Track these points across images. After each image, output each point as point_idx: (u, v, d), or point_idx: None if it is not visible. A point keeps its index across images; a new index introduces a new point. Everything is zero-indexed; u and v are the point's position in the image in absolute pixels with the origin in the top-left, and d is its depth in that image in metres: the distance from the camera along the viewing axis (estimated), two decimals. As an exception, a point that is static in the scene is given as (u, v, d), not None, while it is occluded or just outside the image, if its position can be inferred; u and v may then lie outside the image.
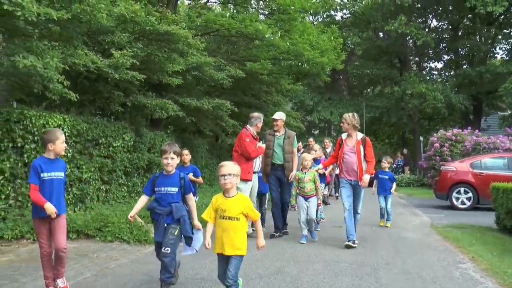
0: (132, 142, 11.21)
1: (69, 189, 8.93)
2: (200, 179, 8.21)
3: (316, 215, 8.38)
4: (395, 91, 30.94)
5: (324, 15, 35.56)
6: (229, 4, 19.21)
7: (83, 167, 9.32)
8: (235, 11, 18.36)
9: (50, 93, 7.06)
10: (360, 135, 7.88)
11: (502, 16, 30.53)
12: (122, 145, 10.79)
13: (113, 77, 9.20)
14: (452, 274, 5.82)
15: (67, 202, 8.78)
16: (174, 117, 12.85)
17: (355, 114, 7.97)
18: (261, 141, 8.57)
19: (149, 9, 10.03)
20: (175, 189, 4.81)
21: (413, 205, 15.05)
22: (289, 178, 8.53)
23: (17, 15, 5.28)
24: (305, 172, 8.19)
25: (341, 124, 8.06)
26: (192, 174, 7.85)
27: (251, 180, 8.23)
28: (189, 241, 4.92)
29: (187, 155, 8.14)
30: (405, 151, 29.67)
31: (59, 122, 8.54)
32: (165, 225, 4.77)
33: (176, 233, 4.79)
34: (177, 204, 4.81)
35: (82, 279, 5.37)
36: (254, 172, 8.60)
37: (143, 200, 4.92)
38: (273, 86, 19.73)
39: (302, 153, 10.08)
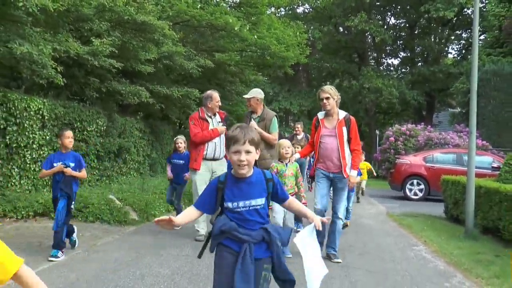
0: (105, 127, 11.53)
1: (46, 171, 9.21)
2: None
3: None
4: (353, 85, 32.02)
5: (287, 8, 36.20)
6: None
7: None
8: (201, 1, 18.74)
9: (37, 78, 7.36)
10: (342, 113, 5.99)
11: (455, 19, 32.02)
12: (95, 129, 11.10)
13: (92, 64, 9.51)
14: (407, 255, 6.56)
15: (45, 183, 9.10)
16: (141, 104, 13.19)
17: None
18: (223, 122, 7.21)
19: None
20: (262, 201, 2.78)
21: (369, 195, 15.94)
22: None
23: (19, 5, 5.62)
24: (286, 164, 6.07)
25: (323, 101, 5.89)
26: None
27: (198, 169, 6.86)
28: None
29: (181, 143, 8.35)
30: (361, 143, 30.75)
31: (39, 106, 8.83)
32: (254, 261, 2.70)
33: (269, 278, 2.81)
34: (270, 225, 2.82)
35: (75, 254, 5.81)
36: (214, 159, 7.00)
37: (192, 214, 2.86)
38: (238, 76, 20.20)
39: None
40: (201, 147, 6.91)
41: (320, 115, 6.14)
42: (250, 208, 2.74)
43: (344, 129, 5.90)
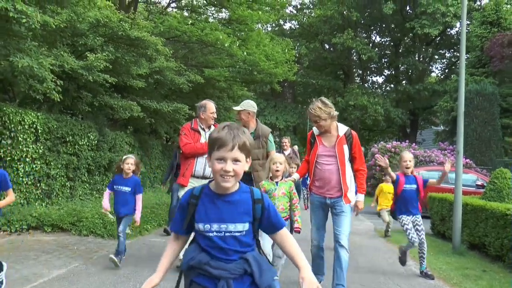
0: (96, 141, 11.57)
1: (38, 184, 9.25)
2: None
3: None
4: (339, 101, 32.38)
5: (274, 24, 36.62)
6: (187, 11, 19.82)
7: (51, 163, 9.66)
8: (190, 16, 18.99)
9: (34, 93, 7.43)
10: (343, 129, 5.10)
11: (439, 38, 32.72)
12: (87, 143, 11.15)
13: (87, 78, 9.60)
14: (398, 270, 6.72)
15: (36, 197, 9.13)
16: (131, 118, 13.28)
17: (326, 100, 5.08)
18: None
19: (121, 15, 10.44)
20: (243, 227, 2.21)
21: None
22: None
23: (22, 22, 5.73)
24: (277, 183, 5.08)
25: (314, 120, 5.02)
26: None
27: (185, 185, 6.11)
28: None
29: (130, 164, 6.37)
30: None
31: (33, 120, 8.88)
32: None
33: None
34: (254, 253, 2.25)
35: (74, 267, 5.86)
36: (204, 177, 6.13)
37: (174, 246, 2.44)
38: (225, 91, 20.40)
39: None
40: (191, 161, 6.16)
41: (316, 130, 5.14)
42: (226, 234, 2.15)
43: (346, 147, 5.00)
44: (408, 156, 6.38)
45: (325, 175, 5.02)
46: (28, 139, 8.77)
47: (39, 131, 9.12)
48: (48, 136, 9.52)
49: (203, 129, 6.31)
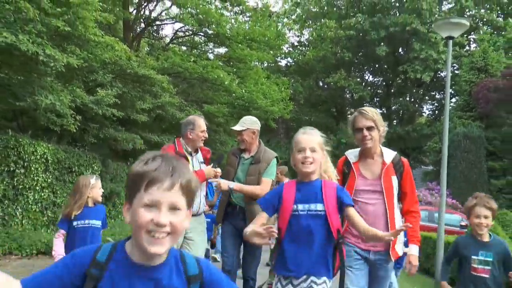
0: (99, 172, 12.07)
1: (45, 212, 9.71)
2: None
3: None
4: (331, 139, 33.11)
5: (270, 61, 37.59)
6: (187, 47, 20.66)
7: (58, 192, 10.14)
8: (191, 52, 19.81)
9: (52, 125, 8.01)
10: (389, 154, 3.81)
11: (430, 80, 33.80)
12: (91, 173, 11.64)
13: (96, 112, 10.19)
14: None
15: (43, 224, 9.59)
16: (132, 149, 13.83)
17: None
18: (214, 163, 5.15)
19: (130, 54, 11.11)
20: None
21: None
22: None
23: (50, 65, 6.34)
24: None
25: (363, 132, 3.66)
26: None
27: None
28: None
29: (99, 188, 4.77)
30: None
31: (44, 150, 9.41)
32: None
33: None
34: None
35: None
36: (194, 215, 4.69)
37: None
38: (222, 126, 21.06)
39: None
40: None
41: (352, 155, 3.86)
42: None
43: (394, 180, 3.72)
44: None
45: (368, 219, 3.41)
46: (39, 169, 9.28)
47: (49, 161, 9.63)
48: (56, 166, 10.03)
49: (189, 153, 4.88)
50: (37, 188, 9.30)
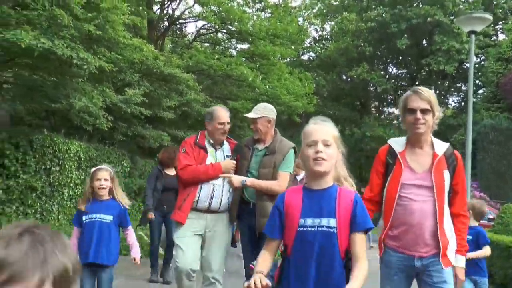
0: (128, 168, 12.47)
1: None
2: None
3: None
4: (355, 132, 33.11)
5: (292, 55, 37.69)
6: (210, 44, 20.97)
7: (90, 188, 10.52)
8: (214, 49, 20.11)
9: (85, 125, 8.37)
10: (441, 146, 3.31)
11: (455, 72, 33.47)
12: (121, 170, 12.04)
13: (125, 111, 10.53)
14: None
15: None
16: (159, 146, 14.19)
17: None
18: (232, 156, 4.71)
19: (157, 53, 11.41)
20: None
21: (373, 240, 16.63)
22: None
23: (84, 68, 6.66)
24: None
25: (416, 114, 3.16)
26: None
27: (183, 223, 4.43)
28: None
29: (105, 179, 4.38)
30: (362, 190, 31.60)
31: (77, 149, 9.81)
32: None
33: None
34: None
35: (118, 282, 6.65)
36: (211, 211, 4.49)
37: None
38: (246, 121, 21.32)
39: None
40: (191, 189, 4.44)
41: (397, 143, 3.36)
42: None
43: (446, 175, 3.20)
44: None
45: (414, 218, 3.09)
46: (72, 166, 9.67)
47: (82, 159, 10.02)
48: (88, 163, 10.41)
49: (212, 146, 4.61)
50: (71, 184, 9.70)
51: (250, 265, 3.95)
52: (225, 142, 4.67)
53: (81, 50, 6.58)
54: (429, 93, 3.20)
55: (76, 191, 9.87)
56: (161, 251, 7.87)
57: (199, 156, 4.50)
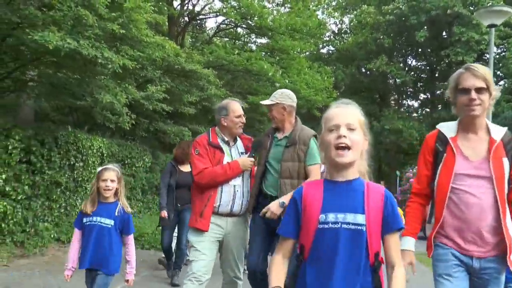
0: (150, 164, 12.64)
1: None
2: None
3: None
4: (374, 125, 32.96)
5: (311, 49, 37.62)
6: (230, 39, 21.05)
7: (113, 183, 10.72)
8: (234, 43, 20.20)
9: (108, 122, 8.53)
10: (499, 131, 2.92)
11: (475, 63, 33.08)
12: (142, 165, 12.22)
13: (147, 107, 10.68)
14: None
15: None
16: (178, 142, 14.35)
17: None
18: (251, 152, 4.38)
19: (178, 51, 11.52)
20: None
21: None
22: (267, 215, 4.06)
23: (108, 67, 6.79)
24: None
25: (470, 94, 2.77)
26: None
27: (206, 230, 4.12)
28: None
29: (111, 181, 4.11)
30: (382, 183, 31.53)
31: (100, 144, 9.98)
32: None
33: None
34: None
35: (142, 276, 6.81)
36: (232, 215, 4.24)
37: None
38: (266, 115, 21.38)
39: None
40: (210, 193, 4.14)
41: (448, 128, 2.99)
42: None
43: (506, 163, 2.83)
44: None
45: (470, 213, 2.76)
46: (95, 162, 9.84)
47: (104, 154, 10.20)
48: (111, 159, 10.59)
49: (227, 143, 4.31)
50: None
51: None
52: (238, 138, 4.43)
53: (105, 49, 6.70)
54: (484, 70, 2.80)
55: (99, 186, 10.07)
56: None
57: (215, 157, 4.18)
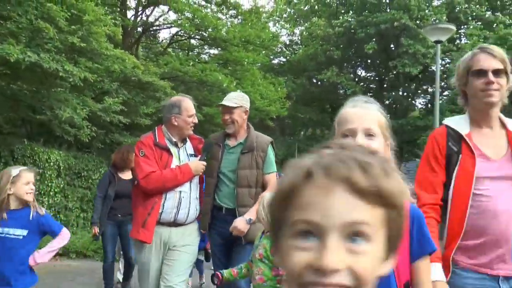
0: (106, 175, 12.54)
1: (58, 215, 10.18)
2: None
3: None
4: (326, 134, 33.66)
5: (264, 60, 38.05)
6: (182, 50, 21.17)
7: (69, 196, 10.61)
8: (188, 55, 20.30)
9: (66, 135, 8.48)
10: None
11: (421, 74, 34.50)
12: (99, 177, 12.08)
13: (104, 119, 10.63)
14: None
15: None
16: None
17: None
18: (202, 155, 4.03)
19: (136, 63, 11.53)
20: None
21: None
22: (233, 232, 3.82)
23: (69, 80, 6.80)
24: (261, 237, 3.33)
25: (487, 76, 2.30)
26: None
27: (149, 242, 3.77)
28: None
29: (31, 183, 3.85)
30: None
31: (57, 157, 9.88)
32: None
33: None
34: None
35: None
36: (177, 224, 3.89)
37: None
38: (220, 126, 21.51)
39: None
40: (155, 200, 3.75)
41: (458, 124, 2.53)
42: None
43: None
44: None
45: (498, 223, 2.27)
46: (52, 175, 9.73)
47: (61, 167, 10.09)
48: (67, 171, 10.50)
49: (175, 144, 3.93)
50: (51, 193, 9.76)
51: (217, 273, 3.40)
52: (187, 138, 4.06)
53: (66, 62, 6.72)
54: (501, 51, 2.38)
55: (55, 199, 9.94)
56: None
57: (162, 160, 3.78)
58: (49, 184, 9.62)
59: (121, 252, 6.58)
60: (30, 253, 3.41)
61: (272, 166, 3.99)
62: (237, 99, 4.03)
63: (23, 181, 3.39)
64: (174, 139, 3.91)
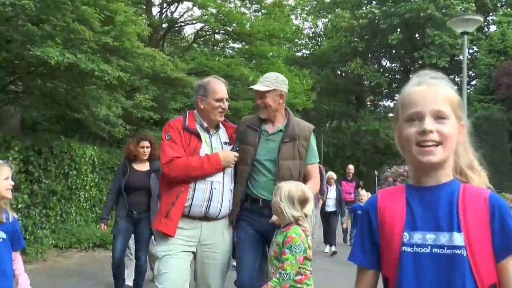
0: (138, 170, 12.95)
1: (93, 209, 10.59)
2: None
3: None
4: (351, 126, 33.69)
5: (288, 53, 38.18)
6: (208, 45, 21.46)
7: (103, 190, 11.00)
8: (212, 49, 20.60)
9: (101, 132, 8.85)
10: None
11: (448, 64, 34.13)
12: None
13: (135, 115, 10.99)
14: None
15: (92, 220, 10.44)
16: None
17: None
18: (235, 145, 3.55)
19: (166, 61, 11.83)
20: None
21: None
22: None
23: (105, 79, 7.13)
24: (276, 233, 3.18)
25: None
26: None
27: (172, 235, 3.30)
28: None
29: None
30: (361, 182, 32.14)
31: (92, 153, 10.27)
32: None
33: None
34: None
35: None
36: (207, 218, 3.41)
37: None
38: (247, 120, 21.82)
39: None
40: (181, 189, 3.34)
41: None
42: None
43: None
44: None
45: None
46: (87, 170, 10.13)
47: (96, 162, 10.49)
48: (101, 166, 10.89)
49: (206, 130, 3.53)
50: (87, 187, 10.16)
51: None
52: (221, 125, 3.62)
53: (101, 62, 7.04)
54: None
55: (91, 193, 10.34)
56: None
57: (191, 145, 3.38)
58: (85, 178, 10.02)
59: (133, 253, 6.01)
60: (7, 262, 3.00)
61: (315, 156, 3.64)
62: (270, 81, 3.58)
63: (2, 176, 2.98)
64: (205, 124, 3.48)
